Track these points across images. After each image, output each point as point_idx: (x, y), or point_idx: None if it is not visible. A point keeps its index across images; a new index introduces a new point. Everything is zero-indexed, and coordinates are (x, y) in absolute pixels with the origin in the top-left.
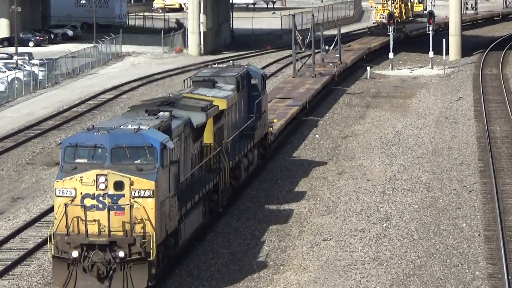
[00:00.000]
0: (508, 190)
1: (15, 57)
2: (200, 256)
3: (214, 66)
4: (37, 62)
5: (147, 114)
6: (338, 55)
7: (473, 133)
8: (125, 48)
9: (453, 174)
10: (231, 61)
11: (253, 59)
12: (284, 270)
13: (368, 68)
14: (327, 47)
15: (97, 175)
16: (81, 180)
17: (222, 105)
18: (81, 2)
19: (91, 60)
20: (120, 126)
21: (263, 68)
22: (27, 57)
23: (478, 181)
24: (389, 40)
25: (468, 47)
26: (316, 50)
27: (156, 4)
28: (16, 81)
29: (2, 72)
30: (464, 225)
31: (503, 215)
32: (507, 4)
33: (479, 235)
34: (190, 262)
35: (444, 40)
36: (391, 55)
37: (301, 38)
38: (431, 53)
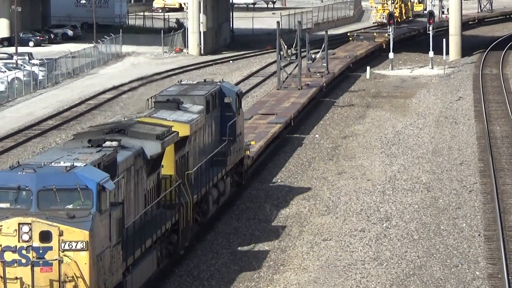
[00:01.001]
0: (508, 190)
1: (15, 57)
2: (200, 256)
3: (183, 83)
4: (37, 62)
5: (90, 145)
6: (325, 64)
7: (473, 133)
8: (125, 48)
9: (453, 174)
10: (231, 61)
11: (253, 59)
12: (284, 270)
13: (368, 68)
14: (313, 56)
15: (19, 223)
16: (0, 230)
17: (184, 130)
18: (81, 2)
19: (91, 60)
20: (50, 163)
21: (263, 68)
22: (27, 57)
23: (478, 181)
24: (375, 47)
25: (468, 47)
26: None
27: (156, 4)
28: (16, 81)
29: (2, 72)
30: (464, 225)
31: (503, 215)
32: (482, 8)
33: (479, 235)
34: (190, 262)
35: (444, 40)
36: (391, 55)
37: (286, 46)
38: (431, 53)
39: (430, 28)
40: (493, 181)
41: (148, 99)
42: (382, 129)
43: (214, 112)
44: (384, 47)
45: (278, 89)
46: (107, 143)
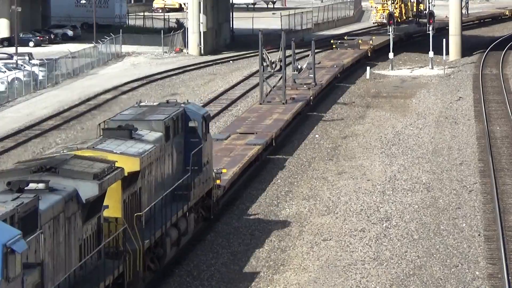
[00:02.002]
0: (508, 190)
1: (15, 57)
2: (200, 256)
3: (142, 104)
4: (37, 62)
5: (8, 188)
6: (312, 75)
7: (473, 133)
8: (125, 48)
9: (453, 174)
10: (231, 61)
11: (253, 59)
12: (284, 270)
13: (368, 68)
14: (299, 66)
15: None
16: None
17: (133, 165)
18: (81, 2)
19: (91, 60)
20: None
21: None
22: (27, 57)
23: (478, 181)
24: (361, 54)
25: (468, 47)
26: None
27: (156, 4)
28: (16, 81)
29: (2, 72)
30: (464, 225)
31: (503, 215)
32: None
33: (479, 235)
34: (190, 262)
35: (444, 40)
36: (391, 55)
37: (269, 58)
38: (431, 53)
39: (430, 28)
40: (493, 181)
41: (99, 124)
42: (382, 129)
43: (176, 139)
44: (369, 54)
45: (260, 104)
46: (32, 186)
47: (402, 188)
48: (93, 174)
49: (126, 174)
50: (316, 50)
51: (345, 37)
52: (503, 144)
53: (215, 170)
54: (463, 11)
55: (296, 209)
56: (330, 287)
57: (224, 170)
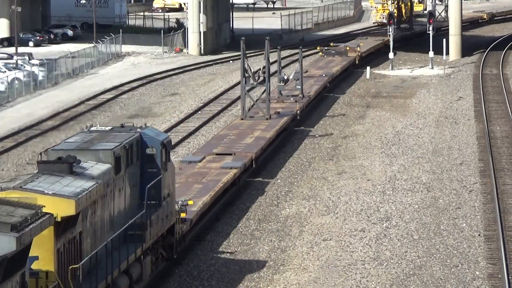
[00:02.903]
0: (508, 190)
1: (15, 57)
2: (200, 256)
3: (92, 129)
4: (37, 62)
5: None
6: (299, 86)
7: (473, 133)
8: (125, 48)
9: (453, 174)
10: (231, 61)
11: (253, 59)
12: (284, 270)
13: (368, 68)
14: (285, 77)
15: None
16: None
17: (67, 209)
18: (81, 2)
19: (91, 60)
20: None
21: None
22: (27, 57)
23: (478, 181)
24: (349, 62)
25: (468, 47)
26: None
27: (156, 4)
28: (16, 81)
29: (2, 72)
30: (464, 225)
31: (503, 215)
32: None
33: (479, 235)
34: (190, 262)
35: (444, 40)
36: (391, 55)
37: (251, 69)
38: (431, 53)
39: (430, 28)
40: (493, 181)
41: (40, 154)
42: (382, 129)
43: (130, 169)
44: (357, 62)
45: (242, 119)
46: None
47: (402, 188)
48: (10, 225)
49: (59, 219)
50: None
51: (331, 44)
52: (503, 144)
53: (179, 202)
54: (443, 15)
55: (296, 209)
56: (330, 287)
57: (190, 202)
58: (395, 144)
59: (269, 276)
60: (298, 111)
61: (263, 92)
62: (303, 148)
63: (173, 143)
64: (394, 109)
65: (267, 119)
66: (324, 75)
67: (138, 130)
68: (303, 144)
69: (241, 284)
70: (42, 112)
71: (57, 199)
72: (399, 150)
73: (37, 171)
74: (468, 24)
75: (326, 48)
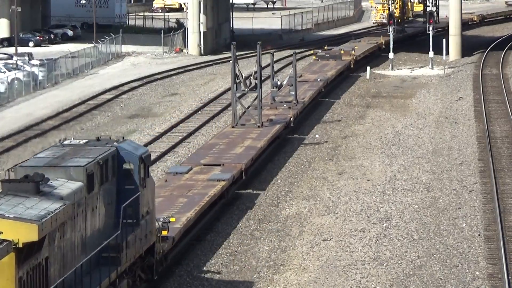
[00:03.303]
0: (508, 190)
1: (15, 57)
2: (200, 256)
3: (66, 143)
4: (37, 62)
5: None
6: (293, 93)
7: (473, 133)
8: (125, 48)
9: (453, 174)
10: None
11: (253, 59)
12: (284, 270)
13: (368, 68)
14: (279, 82)
15: None
16: None
17: (29, 234)
18: (81, 2)
19: (91, 60)
20: None
21: (263, 68)
22: (27, 57)
23: (478, 181)
24: (344, 66)
25: (468, 47)
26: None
27: (156, 4)
28: (16, 82)
29: (2, 72)
30: (464, 225)
31: (503, 215)
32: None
33: (479, 235)
34: (190, 262)
35: (444, 40)
36: (391, 55)
37: (243, 75)
38: (431, 53)
39: (430, 28)
40: (493, 181)
41: (8, 170)
42: (382, 129)
43: (105, 186)
44: (352, 66)
45: (233, 127)
46: None
47: (402, 188)
48: None
49: (20, 245)
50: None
51: (325, 47)
52: (503, 144)
53: (161, 219)
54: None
55: (296, 209)
56: (330, 287)
57: (172, 219)
58: (395, 144)
59: (269, 276)
60: (291, 118)
61: (254, 99)
62: (303, 148)
63: (174, 143)
64: (394, 109)
65: (258, 127)
66: (319, 79)
67: (115, 144)
68: (303, 144)
69: (241, 284)
70: (42, 112)
71: (18, 223)
72: (399, 150)
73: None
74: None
75: (320, 51)
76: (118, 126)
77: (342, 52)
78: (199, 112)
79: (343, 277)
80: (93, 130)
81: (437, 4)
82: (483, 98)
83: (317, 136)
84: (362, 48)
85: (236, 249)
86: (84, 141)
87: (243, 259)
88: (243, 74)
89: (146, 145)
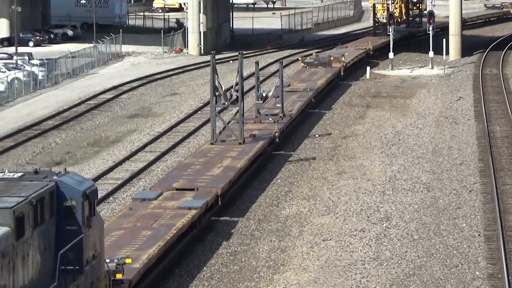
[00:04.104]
0: (508, 190)
1: (15, 57)
2: (200, 256)
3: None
4: (37, 62)
5: None
6: (279, 105)
7: (473, 133)
8: (125, 48)
9: (453, 174)
10: (231, 61)
11: (253, 59)
12: (284, 270)
13: (368, 68)
14: (264, 93)
15: None
16: None
17: None
18: (81, 2)
19: (91, 60)
20: None
21: (263, 68)
22: (27, 57)
23: (478, 181)
24: (334, 74)
25: (468, 47)
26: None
27: (156, 4)
28: (16, 81)
29: (2, 72)
30: (464, 225)
31: (503, 215)
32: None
33: (479, 235)
34: (190, 262)
35: (444, 40)
36: (391, 55)
37: (223, 87)
38: (431, 53)
39: (430, 28)
40: (493, 181)
41: None
42: (382, 129)
43: (39, 230)
44: (342, 73)
45: (212, 144)
46: None
47: (402, 188)
48: None
49: None
50: (316, 50)
51: (314, 53)
52: (503, 144)
53: (115, 260)
54: (417, 19)
55: (296, 209)
56: (330, 287)
57: (128, 260)
58: (395, 144)
59: (269, 276)
60: (277, 134)
61: (236, 113)
62: (303, 148)
63: (173, 143)
64: (394, 109)
65: (240, 143)
66: (308, 89)
67: (55, 178)
68: (303, 144)
69: (241, 284)
70: (42, 112)
71: None
72: (399, 150)
73: None
74: (438, 30)
75: (309, 58)
76: (118, 126)
77: (332, 58)
78: (199, 112)
79: (343, 277)
80: (93, 130)
81: (421, 8)
82: (483, 98)
83: (317, 136)
84: (351, 54)
85: (236, 249)
86: (19, 174)
87: (243, 259)
88: (223, 86)
89: (146, 145)
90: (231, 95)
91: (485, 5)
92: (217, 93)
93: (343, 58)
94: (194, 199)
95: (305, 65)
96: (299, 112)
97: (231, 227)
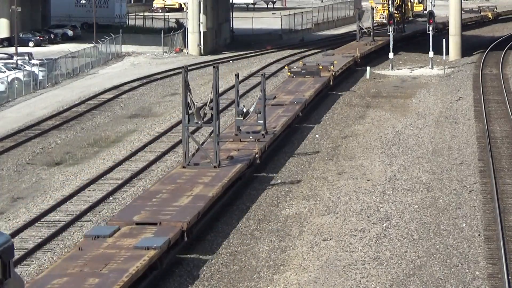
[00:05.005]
0: (508, 190)
1: (15, 57)
2: (200, 256)
3: None
4: (37, 62)
5: None
6: (261, 121)
7: (473, 133)
8: (125, 48)
9: (453, 174)
10: (231, 61)
11: (253, 59)
12: (284, 270)
13: (368, 68)
14: (245, 109)
15: None
16: None
17: None
18: (81, 2)
19: (91, 60)
20: None
21: (263, 68)
22: (27, 57)
23: (478, 181)
24: (323, 84)
25: (468, 47)
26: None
27: (156, 4)
28: (16, 81)
29: (2, 72)
30: (464, 225)
31: (503, 215)
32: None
33: (479, 235)
34: (190, 262)
35: (444, 40)
36: (391, 55)
37: (196, 103)
38: (431, 53)
39: (430, 28)
40: (493, 181)
41: None
42: (382, 129)
43: None
44: (331, 83)
45: (184, 167)
46: None
47: (402, 188)
48: None
49: None
50: (316, 51)
51: (301, 62)
52: (503, 144)
53: None
54: (400, 26)
55: (296, 209)
56: (330, 287)
57: None
58: (395, 144)
59: (269, 276)
60: (257, 154)
61: (210, 133)
62: (303, 148)
63: (174, 143)
64: (394, 109)
65: (215, 167)
66: (295, 102)
67: None
68: (303, 144)
69: (241, 284)
70: (42, 112)
71: None
72: (399, 150)
73: None
74: (419, 36)
75: (296, 66)
76: (118, 126)
77: (321, 67)
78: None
79: (343, 277)
80: (93, 130)
81: (403, 9)
82: (483, 98)
83: (317, 136)
84: (340, 62)
85: (236, 249)
86: None
87: (243, 259)
88: (195, 103)
89: (146, 145)
90: (205, 113)
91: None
92: (190, 111)
93: (332, 67)
94: (155, 236)
95: (292, 75)
96: (284, 129)
97: (231, 227)
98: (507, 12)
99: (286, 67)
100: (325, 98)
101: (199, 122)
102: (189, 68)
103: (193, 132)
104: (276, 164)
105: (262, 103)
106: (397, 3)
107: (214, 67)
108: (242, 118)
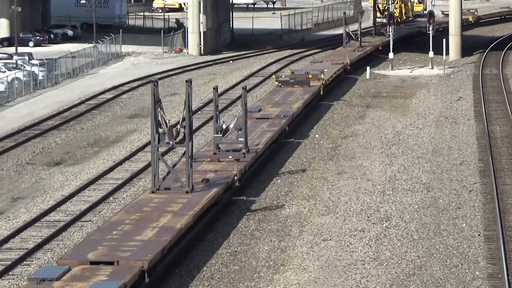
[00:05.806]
0: (508, 190)
1: (15, 57)
2: (200, 256)
3: None
4: (37, 62)
5: None
6: (242, 138)
7: (473, 133)
8: (125, 48)
9: (453, 174)
10: (231, 61)
11: (253, 59)
12: (284, 270)
13: (368, 68)
14: (224, 126)
15: None
16: None
17: None
18: (81, 2)
19: (91, 60)
20: None
21: (263, 68)
22: (27, 57)
23: (478, 181)
24: (313, 94)
25: (468, 47)
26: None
27: (156, 4)
28: (16, 81)
29: (2, 72)
30: (464, 225)
31: (503, 215)
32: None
33: (479, 235)
34: (190, 262)
35: (444, 40)
36: (391, 55)
37: (167, 121)
38: (431, 53)
39: (430, 28)
40: (493, 181)
41: None
42: (382, 129)
43: None
44: (321, 92)
45: (153, 192)
46: None
47: (402, 188)
48: None
49: None
50: (316, 51)
51: (289, 70)
52: (503, 144)
53: None
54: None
55: (296, 209)
56: (330, 287)
57: None
58: (395, 144)
59: (269, 276)
60: (236, 177)
61: (183, 154)
62: (302, 148)
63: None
64: (394, 109)
65: (187, 192)
66: (282, 115)
67: None
68: (303, 144)
69: (241, 284)
70: (42, 112)
71: None
72: (399, 150)
73: None
74: (408, 40)
75: (284, 75)
76: (118, 126)
77: (310, 76)
78: (199, 112)
79: (343, 277)
80: (93, 129)
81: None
82: (483, 98)
83: (317, 136)
84: (330, 70)
85: (236, 249)
86: None
87: (243, 259)
88: (167, 121)
89: (146, 145)
90: (178, 133)
91: (442, 13)
92: (160, 130)
93: (322, 75)
94: (109, 280)
95: (280, 84)
96: (268, 146)
97: (231, 227)
98: (487, 15)
99: (273, 76)
100: (314, 108)
101: (171, 142)
102: (189, 68)
103: (168, 151)
104: (256, 187)
105: (244, 118)
106: (383, 6)
107: (186, 81)
108: (221, 135)
